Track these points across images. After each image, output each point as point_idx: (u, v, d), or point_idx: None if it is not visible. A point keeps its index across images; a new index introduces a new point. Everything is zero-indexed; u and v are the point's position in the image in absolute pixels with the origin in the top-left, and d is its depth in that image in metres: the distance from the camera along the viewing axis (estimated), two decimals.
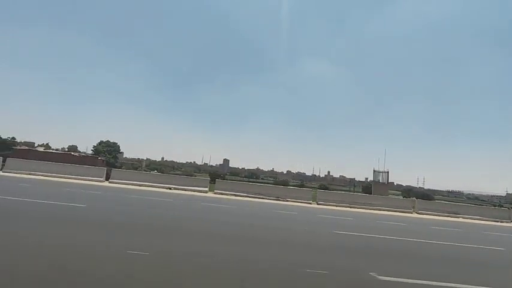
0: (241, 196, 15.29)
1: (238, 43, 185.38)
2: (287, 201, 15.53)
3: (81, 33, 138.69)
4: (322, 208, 14.45)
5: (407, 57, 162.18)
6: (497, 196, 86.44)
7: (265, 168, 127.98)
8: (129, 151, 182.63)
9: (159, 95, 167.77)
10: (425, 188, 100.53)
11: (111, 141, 53.90)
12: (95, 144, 52.91)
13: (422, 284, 3.88)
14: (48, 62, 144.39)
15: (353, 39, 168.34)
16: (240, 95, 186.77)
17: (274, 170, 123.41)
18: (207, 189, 15.93)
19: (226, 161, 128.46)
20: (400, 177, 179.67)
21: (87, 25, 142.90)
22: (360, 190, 47.90)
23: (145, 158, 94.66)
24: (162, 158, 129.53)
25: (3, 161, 16.13)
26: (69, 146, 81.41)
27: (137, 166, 61.64)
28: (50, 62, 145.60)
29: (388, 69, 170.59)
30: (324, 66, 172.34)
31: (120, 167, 40.14)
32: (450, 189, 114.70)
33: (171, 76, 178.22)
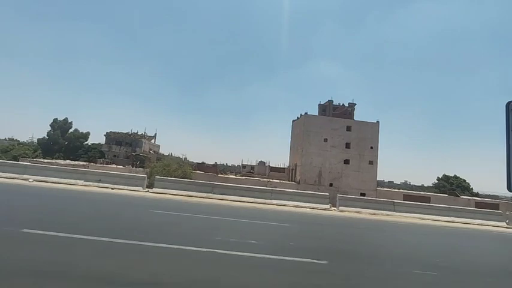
0: None
1: (249, 43, 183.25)
2: None
3: (85, 32, 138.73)
4: None
5: (419, 61, 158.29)
6: None
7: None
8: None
9: (163, 95, 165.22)
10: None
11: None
12: None
13: None
14: (50, 59, 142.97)
15: (368, 42, 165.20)
16: (250, 95, 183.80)
17: None
18: None
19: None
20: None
21: (93, 23, 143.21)
22: None
23: None
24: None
25: None
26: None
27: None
28: (53, 59, 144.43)
29: (399, 71, 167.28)
30: (337, 69, 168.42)
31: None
32: None
33: (177, 77, 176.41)
